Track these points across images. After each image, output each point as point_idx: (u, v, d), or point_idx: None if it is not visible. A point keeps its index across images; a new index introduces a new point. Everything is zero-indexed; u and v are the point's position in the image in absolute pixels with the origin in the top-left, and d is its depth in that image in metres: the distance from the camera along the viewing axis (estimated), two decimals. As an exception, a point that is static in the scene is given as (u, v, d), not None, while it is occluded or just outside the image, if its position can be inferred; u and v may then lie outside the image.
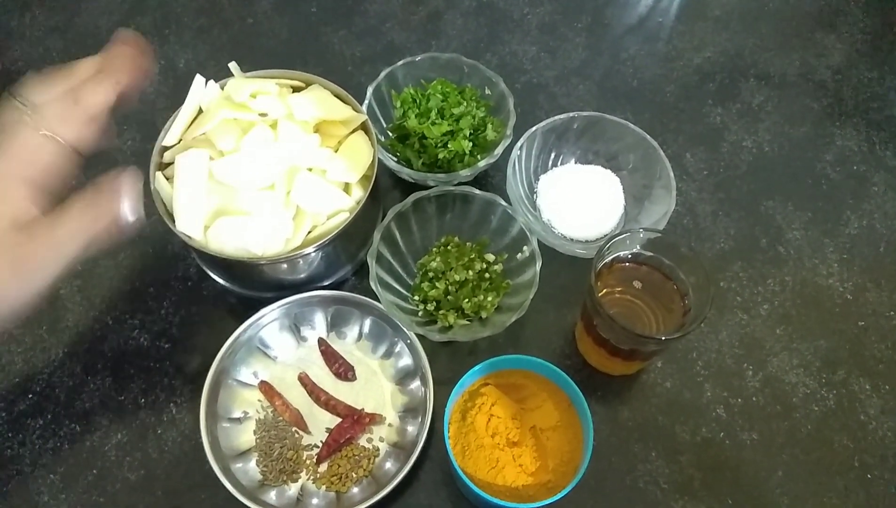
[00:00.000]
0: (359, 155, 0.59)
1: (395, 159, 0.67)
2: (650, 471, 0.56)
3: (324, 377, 0.60)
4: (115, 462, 0.57)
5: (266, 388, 0.59)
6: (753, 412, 0.59)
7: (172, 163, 0.56)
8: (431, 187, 0.62)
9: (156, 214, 0.55)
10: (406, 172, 0.65)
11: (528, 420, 0.52)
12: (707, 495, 0.55)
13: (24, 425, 0.58)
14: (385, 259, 0.60)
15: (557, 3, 0.85)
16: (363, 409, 0.58)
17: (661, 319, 0.55)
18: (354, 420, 0.56)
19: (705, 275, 0.52)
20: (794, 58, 0.81)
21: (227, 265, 0.60)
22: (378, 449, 0.57)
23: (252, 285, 0.62)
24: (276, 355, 0.61)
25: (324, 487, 0.55)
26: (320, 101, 0.59)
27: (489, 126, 0.66)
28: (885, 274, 0.66)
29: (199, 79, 0.58)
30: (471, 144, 0.65)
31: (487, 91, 0.69)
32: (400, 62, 0.69)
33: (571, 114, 0.66)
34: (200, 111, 0.58)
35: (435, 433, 0.56)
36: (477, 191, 0.61)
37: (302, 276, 0.60)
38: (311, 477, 0.55)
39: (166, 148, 0.57)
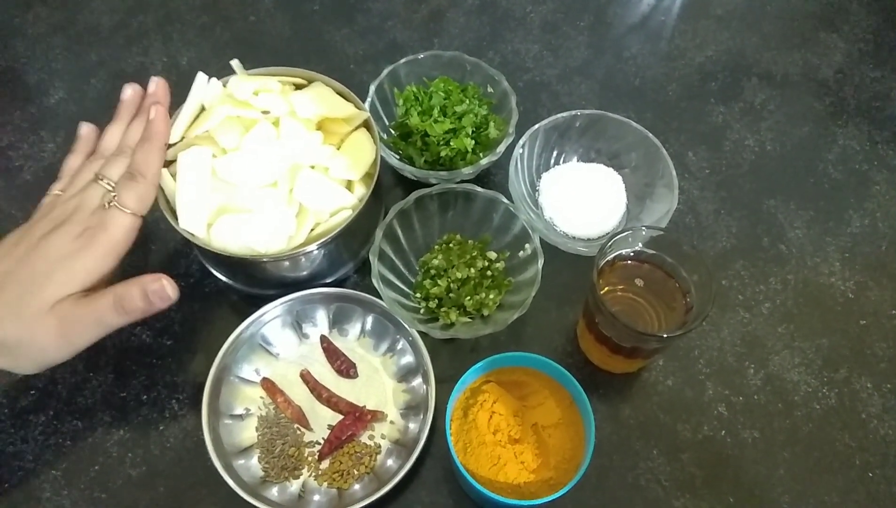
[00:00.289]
0: (361, 153, 0.59)
1: (398, 157, 0.67)
2: (651, 469, 0.56)
3: (326, 374, 0.60)
4: (117, 458, 0.57)
5: (268, 385, 0.59)
6: (755, 410, 0.59)
7: (175, 161, 0.56)
8: (433, 185, 0.62)
9: (158, 211, 0.55)
10: (408, 170, 0.65)
11: (530, 418, 0.52)
12: (708, 493, 0.55)
13: (26, 421, 0.58)
14: (387, 257, 0.61)
15: (560, 2, 0.85)
16: (365, 406, 0.58)
17: (663, 317, 0.55)
18: (356, 417, 0.57)
19: (707, 273, 0.52)
20: (797, 57, 0.81)
21: (230, 263, 0.60)
22: (380, 446, 0.57)
23: (254, 282, 0.62)
24: (278, 352, 0.61)
25: (325, 484, 0.55)
26: (322, 98, 0.59)
27: (491, 124, 0.66)
28: (887, 273, 0.66)
29: (201, 76, 0.58)
30: (473, 141, 0.65)
31: (490, 89, 0.69)
32: (402, 60, 0.69)
33: (574, 112, 0.66)
34: (203, 109, 0.59)
35: (436, 430, 0.56)
36: (479, 189, 0.61)
37: (304, 273, 0.60)
38: (313, 474, 0.55)
39: (169, 146, 0.57)
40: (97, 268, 0.49)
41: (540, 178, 0.69)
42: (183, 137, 0.57)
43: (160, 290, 0.48)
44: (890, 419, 0.58)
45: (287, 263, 0.58)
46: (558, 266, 0.61)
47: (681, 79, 0.79)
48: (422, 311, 0.61)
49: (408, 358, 0.59)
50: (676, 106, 0.77)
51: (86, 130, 0.57)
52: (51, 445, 0.57)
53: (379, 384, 0.60)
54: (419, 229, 0.64)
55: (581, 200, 0.65)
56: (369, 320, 0.61)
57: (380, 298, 0.57)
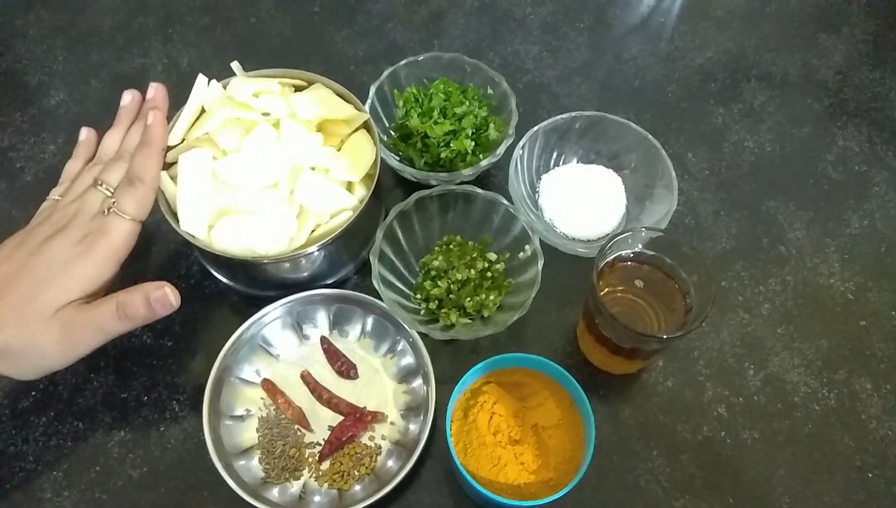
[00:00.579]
0: (361, 154, 0.59)
1: (398, 158, 0.67)
2: (651, 470, 0.56)
3: (326, 376, 0.60)
4: (117, 459, 0.57)
5: (268, 386, 0.59)
6: (754, 411, 0.59)
7: (175, 162, 0.56)
8: (434, 186, 0.62)
9: (159, 213, 0.55)
10: (408, 172, 0.65)
11: (530, 419, 0.53)
12: (708, 494, 0.55)
13: (27, 422, 0.58)
14: (387, 258, 0.61)
15: (559, 3, 0.85)
16: (365, 407, 0.58)
17: (663, 318, 0.55)
18: (356, 418, 0.57)
19: (707, 274, 0.52)
20: (796, 58, 0.81)
21: (231, 264, 0.60)
22: (380, 447, 0.57)
23: (255, 283, 0.62)
24: (278, 353, 0.61)
25: (326, 485, 0.55)
26: (323, 100, 0.59)
27: (491, 125, 0.66)
28: (887, 274, 0.66)
29: (201, 78, 0.59)
30: (473, 143, 0.65)
31: (490, 91, 0.69)
32: (402, 62, 0.69)
33: (573, 113, 0.67)
34: (203, 111, 0.59)
35: (437, 431, 0.56)
36: (479, 190, 0.61)
37: (305, 274, 0.61)
38: (314, 475, 0.56)
39: (170, 148, 0.57)
40: (98, 273, 0.49)
41: (540, 179, 0.69)
42: (183, 140, 0.57)
43: (163, 297, 0.48)
44: (890, 420, 0.58)
45: (288, 264, 0.58)
46: (558, 267, 0.62)
47: (680, 80, 0.79)
48: (422, 312, 0.61)
49: (408, 359, 0.59)
50: (676, 107, 0.77)
51: (86, 134, 0.58)
52: (52, 446, 0.57)
53: (379, 385, 0.60)
54: (419, 230, 0.64)
55: (581, 201, 0.65)
56: (370, 321, 0.61)
57: (380, 299, 0.57)
